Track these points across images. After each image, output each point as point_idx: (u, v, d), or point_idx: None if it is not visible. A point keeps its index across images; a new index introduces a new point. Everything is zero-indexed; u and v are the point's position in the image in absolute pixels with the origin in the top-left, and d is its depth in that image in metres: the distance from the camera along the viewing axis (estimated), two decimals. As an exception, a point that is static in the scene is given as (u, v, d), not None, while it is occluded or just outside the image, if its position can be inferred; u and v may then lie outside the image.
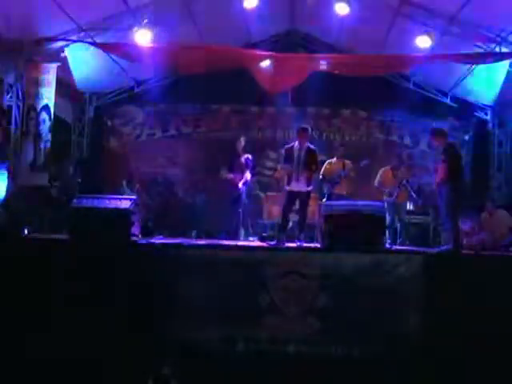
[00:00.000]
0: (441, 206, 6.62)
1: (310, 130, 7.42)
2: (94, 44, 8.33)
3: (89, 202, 6.36)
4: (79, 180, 9.54)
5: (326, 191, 8.41)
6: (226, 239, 7.74)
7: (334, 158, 8.69)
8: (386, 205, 8.20)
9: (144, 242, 6.45)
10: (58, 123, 9.19)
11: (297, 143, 7.26)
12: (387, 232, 7.93)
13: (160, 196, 10.87)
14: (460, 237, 6.60)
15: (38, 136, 8.61)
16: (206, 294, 5.80)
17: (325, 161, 8.74)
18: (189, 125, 11.37)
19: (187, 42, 8.87)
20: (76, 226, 6.20)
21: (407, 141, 11.19)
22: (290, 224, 7.78)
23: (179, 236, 7.98)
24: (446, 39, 8.39)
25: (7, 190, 7.80)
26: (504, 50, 8.10)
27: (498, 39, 8.05)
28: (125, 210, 6.27)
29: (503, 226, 7.81)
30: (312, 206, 7.95)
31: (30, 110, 8.50)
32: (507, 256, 6.70)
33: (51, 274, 5.81)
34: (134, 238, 6.34)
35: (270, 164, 11.00)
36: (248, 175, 8.25)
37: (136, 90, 10.95)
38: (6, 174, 7.92)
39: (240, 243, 7.16)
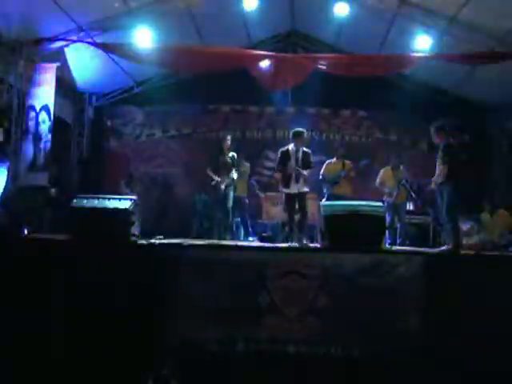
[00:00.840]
0: (441, 206, 6.62)
1: (305, 133, 7.40)
2: (93, 44, 8.33)
3: (89, 202, 6.35)
4: (79, 180, 9.56)
5: (325, 191, 8.42)
6: (225, 239, 7.75)
7: (334, 158, 8.70)
8: (386, 205, 8.22)
9: (144, 242, 6.45)
10: (58, 123, 9.19)
11: (292, 145, 7.26)
12: (387, 232, 7.95)
13: (160, 196, 10.89)
14: (460, 237, 6.61)
15: (37, 136, 8.61)
16: (205, 293, 5.80)
17: (324, 161, 8.76)
18: (189, 125, 11.38)
19: (187, 42, 8.87)
20: (76, 226, 6.20)
21: (407, 141, 11.21)
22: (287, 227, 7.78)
23: (179, 236, 7.98)
24: (445, 39, 8.40)
25: (6, 187, 7.80)
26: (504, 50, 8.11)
27: (499, 40, 8.06)
28: (125, 210, 6.26)
29: (502, 226, 7.82)
30: (312, 207, 7.96)
31: (30, 110, 8.50)
32: (507, 256, 6.70)
33: (51, 274, 5.80)
34: (134, 238, 6.33)
35: (269, 164, 11.01)
36: (234, 174, 8.16)
37: (136, 90, 10.96)
38: (6, 170, 7.92)
39: (240, 243, 7.16)
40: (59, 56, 8.61)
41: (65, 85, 9.64)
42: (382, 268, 5.86)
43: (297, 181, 7.12)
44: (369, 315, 5.75)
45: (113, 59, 9.25)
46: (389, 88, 10.35)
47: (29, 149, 8.48)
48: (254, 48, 9.72)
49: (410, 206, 9.11)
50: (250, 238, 7.90)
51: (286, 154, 7.22)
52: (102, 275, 5.75)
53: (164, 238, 7.16)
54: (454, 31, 8.23)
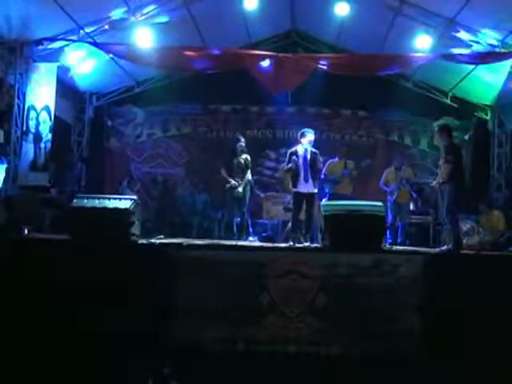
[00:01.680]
0: (442, 206, 6.60)
1: (312, 133, 7.40)
2: (93, 44, 8.34)
3: (89, 202, 6.35)
4: (79, 180, 9.56)
5: (327, 191, 8.42)
6: (226, 239, 7.75)
7: (337, 158, 8.70)
8: (388, 204, 8.23)
9: (144, 241, 6.45)
10: (58, 123, 9.20)
11: (300, 146, 7.27)
12: (387, 232, 7.95)
13: (160, 196, 10.90)
14: (460, 237, 6.61)
15: (38, 136, 8.62)
16: (205, 293, 5.79)
17: (324, 161, 8.74)
18: (189, 125, 11.37)
19: (187, 42, 8.87)
20: (76, 226, 6.20)
21: (407, 141, 11.20)
22: (289, 225, 7.78)
23: (179, 236, 7.98)
24: (446, 39, 8.40)
25: (5, 182, 7.81)
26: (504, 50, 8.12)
27: (498, 41, 8.07)
28: (125, 210, 6.26)
29: (497, 226, 7.86)
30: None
31: (31, 110, 8.51)
32: (507, 256, 6.69)
33: (51, 274, 5.80)
34: (134, 238, 6.33)
35: (269, 164, 11.01)
36: (249, 175, 8.14)
37: (136, 89, 10.95)
38: (5, 165, 7.92)
39: (240, 243, 7.16)
40: (59, 56, 8.61)
41: (65, 85, 9.64)
42: (382, 268, 5.86)
43: (306, 181, 7.13)
44: (369, 315, 5.75)
45: (113, 59, 9.25)
46: (389, 88, 10.35)
47: (29, 149, 8.49)
48: (254, 47, 9.72)
49: (410, 206, 9.11)
50: (250, 238, 7.88)
51: (295, 154, 7.23)
52: (101, 275, 5.75)
53: (164, 238, 7.17)
54: (454, 31, 8.24)
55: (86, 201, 6.40)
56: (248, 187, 8.02)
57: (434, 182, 6.68)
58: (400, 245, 7.91)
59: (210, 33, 9.39)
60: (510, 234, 7.67)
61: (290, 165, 7.17)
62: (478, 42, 8.26)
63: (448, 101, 10.59)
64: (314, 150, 7.31)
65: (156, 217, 10.04)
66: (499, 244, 7.34)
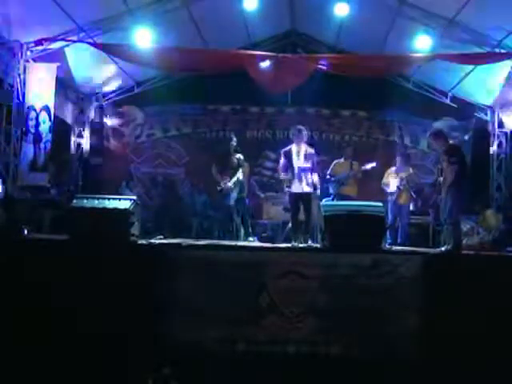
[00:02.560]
0: (446, 207, 6.55)
1: (304, 130, 7.35)
2: (93, 44, 8.34)
3: (89, 202, 6.35)
4: (79, 180, 9.55)
5: (331, 191, 8.40)
6: (226, 239, 7.75)
7: (342, 159, 8.69)
8: (388, 205, 8.22)
9: (144, 242, 6.45)
10: (58, 123, 9.20)
11: (294, 145, 7.25)
12: (387, 232, 7.94)
13: (160, 196, 10.90)
14: (460, 237, 6.60)
15: (38, 136, 8.62)
16: (205, 294, 5.79)
17: (325, 161, 8.74)
18: (188, 125, 11.38)
19: (187, 42, 8.88)
20: (76, 226, 6.19)
21: (407, 141, 11.20)
22: (289, 225, 7.78)
23: (179, 236, 7.98)
24: (445, 40, 8.40)
25: (4, 182, 7.81)
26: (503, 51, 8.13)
27: (497, 42, 8.08)
28: (125, 210, 6.26)
29: (494, 225, 7.88)
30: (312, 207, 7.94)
31: (30, 111, 8.51)
32: (507, 256, 6.70)
33: (51, 274, 5.79)
34: (134, 238, 6.33)
35: (269, 164, 11.00)
36: (240, 174, 8.06)
37: (136, 90, 10.96)
38: None
39: (240, 243, 7.16)
40: (59, 56, 8.61)
41: (65, 85, 9.65)
42: (382, 268, 5.85)
43: (300, 181, 7.10)
44: (369, 315, 5.74)
45: (113, 59, 9.25)
46: (389, 88, 10.36)
47: (29, 149, 8.50)
48: (254, 48, 9.73)
49: (410, 207, 9.10)
50: (250, 238, 7.87)
51: (288, 153, 7.21)
52: (101, 275, 5.75)
53: (163, 239, 7.17)
54: (454, 32, 8.24)
55: (85, 201, 6.40)
56: (238, 188, 7.98)
57: (442, 186, 6.59)
58: (400, 245, 7.91)
59: (210, 33, 9.39)
60: (507, 227, 7.68)
61: (282, 174, 7.22)
62: (477, 43, 8.27)
63: (448, 101, 10.59)
64: (309, 148, 7.26)
65: (156, 217, 10.04)
66: (498, 241, 7.34)
